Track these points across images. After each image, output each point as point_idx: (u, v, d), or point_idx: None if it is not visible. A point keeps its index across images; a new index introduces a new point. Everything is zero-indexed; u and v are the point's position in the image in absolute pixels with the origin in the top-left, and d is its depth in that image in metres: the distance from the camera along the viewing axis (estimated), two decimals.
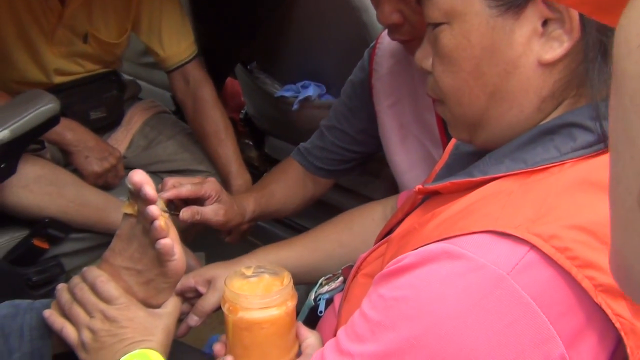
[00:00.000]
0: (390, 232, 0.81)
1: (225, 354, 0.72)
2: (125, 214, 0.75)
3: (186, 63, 1.48)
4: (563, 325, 0.50)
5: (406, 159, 1.06)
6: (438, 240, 0.54)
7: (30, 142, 1.22)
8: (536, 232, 0.50)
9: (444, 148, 0.79)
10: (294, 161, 1.20)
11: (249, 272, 0.74)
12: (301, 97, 1.50)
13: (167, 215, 0.73)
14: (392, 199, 1.02)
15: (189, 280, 0.91)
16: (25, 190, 1.24)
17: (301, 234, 1.01)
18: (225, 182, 1.51)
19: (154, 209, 0.70)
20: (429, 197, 0.67)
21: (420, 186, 0.66)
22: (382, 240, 0.76)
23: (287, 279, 0.70)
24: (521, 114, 0.60)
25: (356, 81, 1.12)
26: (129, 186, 0.71)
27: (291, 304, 0.70)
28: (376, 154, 1.19)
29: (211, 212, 0.96)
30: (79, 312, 0.73)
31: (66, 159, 1.40)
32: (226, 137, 1.46)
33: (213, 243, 1.46)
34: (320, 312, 0.81)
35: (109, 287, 0.73)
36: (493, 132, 0.62)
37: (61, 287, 0.77)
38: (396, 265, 0.56)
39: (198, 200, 0.95)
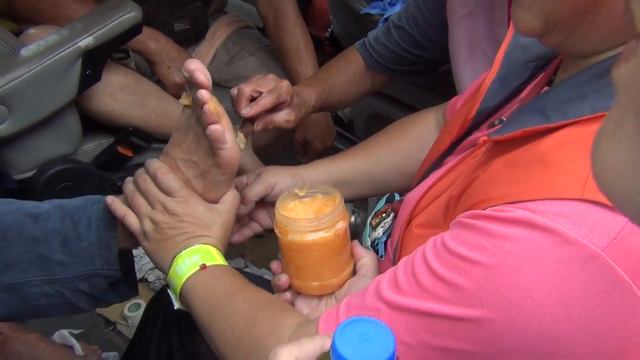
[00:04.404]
0: (440, 157, 0.75)
1: (280, 273, 0.73)
2: (184, 107, 0.75)
3: None
4: None
5: (471, 77, 0.99)
6: (516, 202, 0.49)
7: (114, 49, 1.25)
8: None
9: None
10: (356, 53, 1.15)
11: (302, 193, 0.73)
12: (387, 14, 1.42)
13: (217, 101, 0.71)
14: (444, 106, 0.95)
15: (242, 178, 0.89)
16: (110, 98, 1.28)
17: (354, 146, 0.97)
18: None
19: (204, 93, 0.68)
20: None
21: (485, 137, 0.59)
22: (433, 184, 0.68)
23: (339, 199, 0.68)
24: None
25: None
26: (185, 74, 0.70)
27: (342, 224, 0.68)
28: (439, 67, 1.14)
29: (283, 118, 0.92)
30: (140, 202, 0.74)
31: (152, 70, 1.43)
32: (306, 54, 1.42)
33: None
34: (381, 256, 0.78)
35: (169, 178, 0.73)
36: (583, 39, 0.50)
37: (128, 179, 0.78)
38: (469, 219, 0.51)
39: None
